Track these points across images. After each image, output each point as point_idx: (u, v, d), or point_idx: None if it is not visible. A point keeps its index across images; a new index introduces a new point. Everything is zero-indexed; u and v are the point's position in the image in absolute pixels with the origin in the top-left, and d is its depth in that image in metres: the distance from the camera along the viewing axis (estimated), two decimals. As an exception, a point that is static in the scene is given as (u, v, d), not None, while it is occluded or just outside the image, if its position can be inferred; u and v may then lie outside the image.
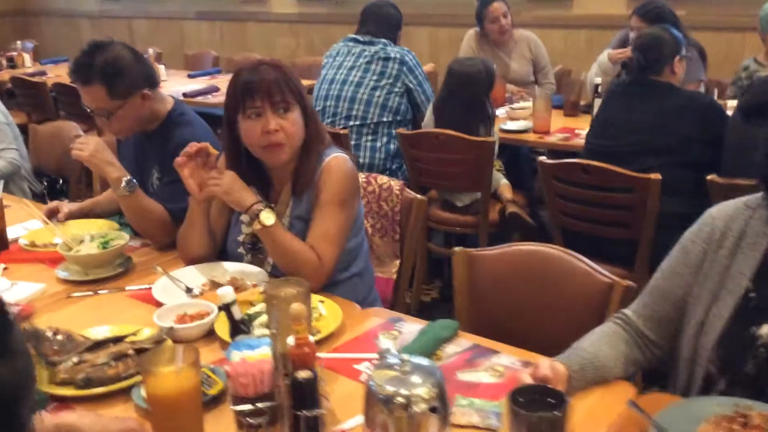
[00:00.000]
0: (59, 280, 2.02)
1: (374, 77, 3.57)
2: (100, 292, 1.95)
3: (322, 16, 7.04)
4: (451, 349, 1.62)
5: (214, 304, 1.73)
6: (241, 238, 2.06)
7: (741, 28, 4.56)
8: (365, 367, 1.55)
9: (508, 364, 1.55)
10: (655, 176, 2.51)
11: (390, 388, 1.10)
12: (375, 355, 1.54)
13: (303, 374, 1.19)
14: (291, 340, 1.23)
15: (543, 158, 2.77)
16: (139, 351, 1.55)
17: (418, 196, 2.36)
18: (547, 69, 4.48)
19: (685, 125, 2.70)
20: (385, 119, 3.54)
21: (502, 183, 3.42)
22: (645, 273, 2.71)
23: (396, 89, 3.56)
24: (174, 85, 5.23)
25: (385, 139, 3.54)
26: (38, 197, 3.30)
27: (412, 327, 1.72)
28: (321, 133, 1.98)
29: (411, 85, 3.60)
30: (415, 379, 1.11)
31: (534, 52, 4.42)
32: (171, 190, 2.24)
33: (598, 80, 3.84)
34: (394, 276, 2.38)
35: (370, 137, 3.53)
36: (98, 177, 3.22)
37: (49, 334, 1.59)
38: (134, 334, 1.64)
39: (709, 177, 2.49)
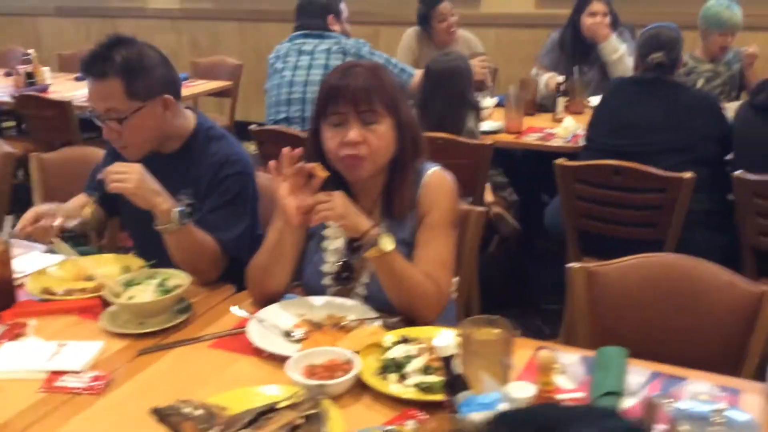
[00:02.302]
0: (110, 335, 1.65)
1: None
2: (174, 344, 1.61)
3: (207, 12, 6.61)
4: (632, 380, 1.47)
5: (345, 350, 1.48)
6: (325, 268, 1.79)
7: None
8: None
9: (709, 391, 1.42)
10: (689, 175, 2.50)
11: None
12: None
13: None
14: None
15: (563, 160, 2.68)
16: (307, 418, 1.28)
17: (476, 207, 2.19)
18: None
19: (701, 122, 2.73)
20: None
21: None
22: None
23: None
24: (69, 89, 4.65)
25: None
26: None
27: (569, 358, 1.55)
28: (418, 148, 1.75)
29: None
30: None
31: (473, 52, 4.35)
32: (220, 218, 1.93)
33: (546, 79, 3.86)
34: (454, 295, 2.19)
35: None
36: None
37: (188, 409, 1.27)
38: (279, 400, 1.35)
39: (736, 173, 2.51)
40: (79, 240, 2.18)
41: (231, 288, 1.88)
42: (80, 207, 2.00)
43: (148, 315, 1.68)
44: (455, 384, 1.20)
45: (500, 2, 5.65)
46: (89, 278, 1.91)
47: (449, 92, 3.10)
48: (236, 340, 1.63)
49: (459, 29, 4.34)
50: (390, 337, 1.56)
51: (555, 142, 3.32)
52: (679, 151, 2.69)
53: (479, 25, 5.63)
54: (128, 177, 1.77)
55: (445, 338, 1.19)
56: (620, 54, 3.92)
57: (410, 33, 4.34)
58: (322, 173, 1.62)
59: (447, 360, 1.20)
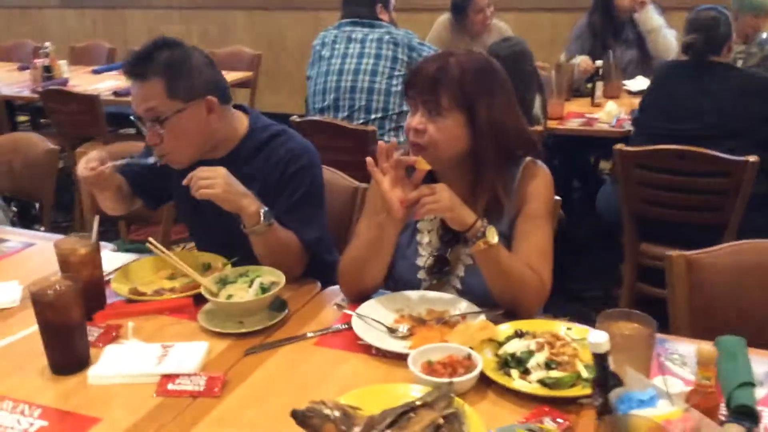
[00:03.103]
0: (209, 335, 1.61)
1: (387, 64, 3.28)
2: (280, 343, 1.57)
3: (216, 1, 6.53)
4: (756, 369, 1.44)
5: (462, 346, 1.45)
6: (421, 261, 1.75)
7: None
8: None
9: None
10: (754, 158, 2.48)
11: None
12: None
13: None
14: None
15: (621, 146, 2.65)
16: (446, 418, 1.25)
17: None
18: None
19: (757, 104, 2.71)
20: (405, 108, 3.27)
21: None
22: (728, 256, 2.69)
23: None
24: (91, 82, 4.58)
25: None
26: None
27: (681, 348, 1.52)
28: (509, 147, 1.70)
29: None
30: None
31: None
32: (297, 214, 1.88)
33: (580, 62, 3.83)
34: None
35: (392, 131, 3.24)
36: (87, 196, 2.70)
37: (327, 411, 1.23)
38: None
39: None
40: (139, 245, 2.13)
41: (316, 284, 1.85)
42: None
43: (248, 314, 1.64)
44: (607, 381, 1.17)
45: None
46: (171, 277, 1.88)
47: (521, 76, 3.05)
48: (340, 337, 1.60)
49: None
50: (504, 330, 1.53)
51: (600, 127, 3.30)
52: (738, 135, 2.67)
53: (498, 10, 5.61)
54: (215, 182, 1.71)
55: (599, 335, 1.16)
56: (659, 24, 3.89)
57: (442, 21, 4.29)
58: (424, 166, 1.58)
59: (601, 357, 1.17)
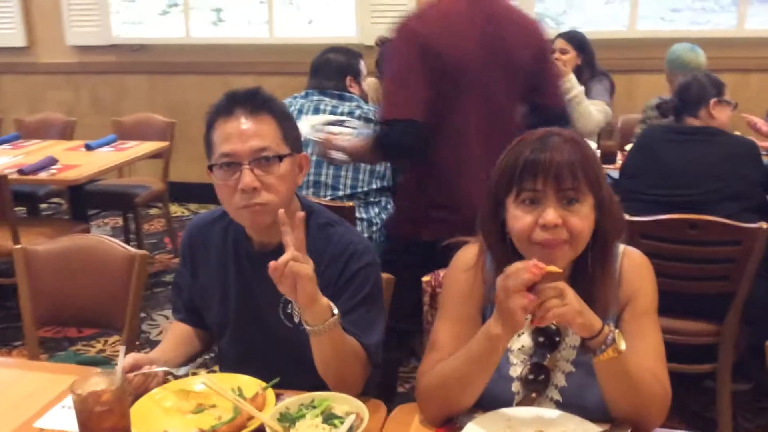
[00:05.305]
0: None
1: None
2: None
3: (110, 65, 6.05)
4: None
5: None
6: (514, 372, 1.50)
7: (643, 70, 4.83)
8: None
9: None
10: (766, 225, 2.42)
11: None
12: None
13: None
14: None
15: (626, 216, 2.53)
16: None
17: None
18: None
19: (749, 169, 2.69)
20: (375, 186, 3.01)
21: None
22: (735, 326, 2.61)
23: None
24: (-16, 158, 4.01)
25: (376, 210, 3.00)
26: None
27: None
28: (619, 228, 1.50)
29: None
30: None
31: None
32: (360, 318, 1.61)
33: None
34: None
35: (362, 209, 2.96)
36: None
37: None
38: None
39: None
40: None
41: (380, 406, 1.54)
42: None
43: (332, 460, 1.32)
44: None
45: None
46: (200, 408, 1.52)
47: None
48: (449, 479, 1.31)
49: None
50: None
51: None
52: (735, 199, 2.63)
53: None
54: (308, 261, 1.42)
55: None
56: (575, 93, 3.87)
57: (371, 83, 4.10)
58: (555, 269, 1.33)
59: None
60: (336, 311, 1.47)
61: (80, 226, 3.91)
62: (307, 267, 1.40)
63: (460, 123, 2.38)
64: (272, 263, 1.38)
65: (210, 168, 1.60)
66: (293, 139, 1.64)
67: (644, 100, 4.18)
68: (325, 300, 1.46)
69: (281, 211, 1.43)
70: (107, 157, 4.13)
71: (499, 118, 2.40)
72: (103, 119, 5.43)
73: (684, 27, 5.41)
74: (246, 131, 1.56)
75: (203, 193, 5.78)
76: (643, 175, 2.79)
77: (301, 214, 1.42)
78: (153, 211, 5.58)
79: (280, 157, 1.58)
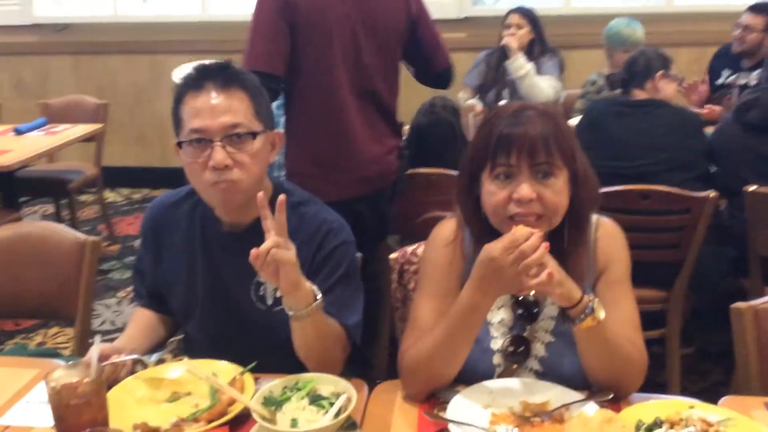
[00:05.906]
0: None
1: None
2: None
3: (33, 46, 5.78)
4: None
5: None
6: (495, 344, 1.50)
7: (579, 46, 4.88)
8: None
9: None
10: (713, 194, 2.50)
11: None
12: None
13: None
14: None
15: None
16: None
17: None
18: None
19: (694, 139, 2.77)
20: None
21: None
22: (683, 292, 2.69)
23: None
24: None
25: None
26: None
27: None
28: (595, 201, 1.51)
29: None
30: None
31: None
32: (337, 297, 1.57)
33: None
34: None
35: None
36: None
37: None
38: None
39: (751, 188, 2.55)
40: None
41: (363, 384, 1.52)
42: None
43: (316, 440, 1.29)
44: None
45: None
46: (174, 396, 1.46)
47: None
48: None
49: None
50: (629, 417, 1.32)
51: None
52: (683, 169, 2.70)
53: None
54: (291, 245, 1.38)
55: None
56: (525, 72, 3.89)
57: None
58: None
59: None
60: (319, 296, 1.43)
61: (12, 215, 3.73)
62: (290, 253, 1.36)
63: (328, 78, 2.36)
64: (254, 251, 1.33)
65: (179, 144, 1.53)
66: (266, 116, 1.58)
67: (580, 76, 4.24)
68: (307, 284, 1.42)
69: (260, 194, 1.39)
70: (39, 141, 3.94)
71: (365, 75, 2.39)
72: (27, 103, 5.19)
73: (618, 4, 5.51)
74: (217, 106, 1.50)
75: (137, 177, 5.67)
76: (594, 149, 2.80)
77: (282, 196, 1.38)
78: (84, 197, 5.39)
79: (254, 134, 1.52)
